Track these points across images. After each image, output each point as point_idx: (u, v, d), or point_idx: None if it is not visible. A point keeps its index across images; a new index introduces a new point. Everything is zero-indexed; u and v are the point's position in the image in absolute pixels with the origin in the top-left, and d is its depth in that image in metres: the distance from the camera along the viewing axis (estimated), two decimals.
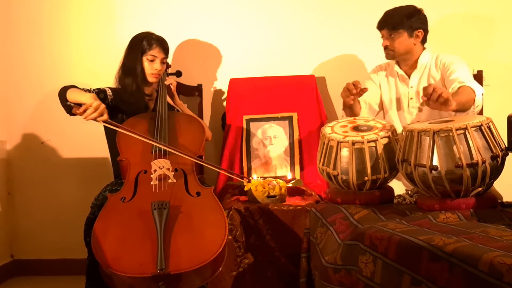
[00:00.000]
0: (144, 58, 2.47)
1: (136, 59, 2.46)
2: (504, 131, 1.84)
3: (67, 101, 2.28)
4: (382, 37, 2.51)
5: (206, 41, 3.06)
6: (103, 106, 2.18)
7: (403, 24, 2.42)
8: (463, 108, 2.13)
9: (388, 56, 2.51)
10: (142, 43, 2.46)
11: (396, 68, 2.57)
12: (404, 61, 2.54)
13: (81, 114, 2.16)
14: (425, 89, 1.91)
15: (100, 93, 2.42)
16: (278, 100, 2.89)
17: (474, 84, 2.25)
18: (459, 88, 2.20)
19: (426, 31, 2.49)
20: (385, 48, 2.49)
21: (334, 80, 3.02)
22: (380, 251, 1.57)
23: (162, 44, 2.49)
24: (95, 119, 2.17)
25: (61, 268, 3.08)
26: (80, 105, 2.24)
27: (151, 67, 2.47)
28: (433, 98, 1.88)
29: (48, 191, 3.12)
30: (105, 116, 2.19)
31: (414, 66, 2.52)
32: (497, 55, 2.92)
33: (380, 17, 2.50)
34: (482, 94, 2.28)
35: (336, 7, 3.00)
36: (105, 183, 2.47)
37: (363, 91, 2.25)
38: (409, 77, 2.54)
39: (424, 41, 2.51)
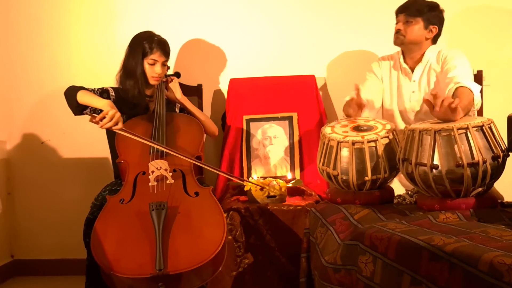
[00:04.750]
0: (145, 61, 2.46)
1: (137, 62, 2.45)
2: (504, 131, 1.83)
3: (78, 103, 2.28)
4: (397, 22, 2.50)
5: (206, 41, 3.06)
6: (118, 115, 2.17)
7: (423, 13, 2.44)
8: (467, 112, 2.09)
9: (397, 41, 2.50)
10: (144, 45, 2.45)
11: (401, 60, 2.56)
12: (410, 53, 2.53)
13: (96, 122, 2.16)
14: (434, 95, 1.85)
15: (103, 93, 2.42)
16: (278, 100, 2.89)
17: (470, 83, 2.22)
18: (456, 90, 2.16)
19: (439, 31, 2.51)
20: (397, 32, 2.49)
21: (334, 80, 3.02)
22: (380, 251, 1.57)
23: (164, 48, 2.48)
24: (110, 128, 2.17)
25: (61, 268, 3.08)
26: (92, 109, 2.25)
27: (152, 70, 2.46)
28: (444, 105, 1.82)
29: (48, 191, 3.12)
30: (120, 125, 2.18)
31: (418, 61, 2.52)
32: (497, 55, 2.91)
33: (401, 4, 2.51)
34: (480, 92, 2.26)
35: (336, 8, 3.00)
36: (105, 183, 2.47)
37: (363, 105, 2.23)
38: (412, 71, 2.54)
39: (435, 40, 2.52)
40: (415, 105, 2.52)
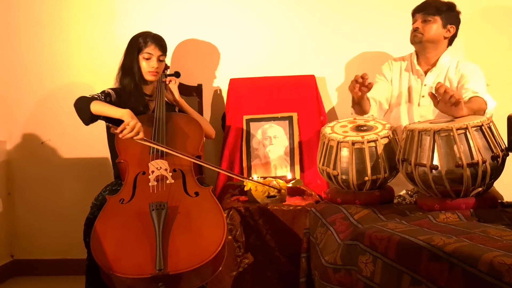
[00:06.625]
0: (141, 57, 2.47)
1: (133, 58, 2.47)
2: (504, 131, 1.83)
3: (92, 114, 2.29)
4: (414, 22, 2.47)
5: (206, 40, 3.06)
6: (139, 125, 2.20)
7: (441, 12, 2.42)
8: None
9: (415, 39, 2.45)
10: (138, 41, 2.47)
11: (415, 61, 2.52)
12: (425, 54, 2.49)
13: (117, 133, 2.19)
14: (437, 89, 1.87)
15: (106, 97, 2.42)
16: (278, 100, 2.88)
17: (487, 97, 2.23)
18: (471, 97, 2.17)
19: (456, 32, 2.49)
20: (415, 30, 2.45)
21: (334, 80, 3.02)
22: (380, 251, 1.57)
23: (158, 42, 2.49)
24: (131, 138, 2.19)
25: (61, 268, 3.08)
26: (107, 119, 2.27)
27: (147, 65, 2.47)
28: (444, 99, 1.85)
29: (48, 191, 3.12)
30: (141, 135, 2.21)
31: (432, 64, 2.49)
32: (497, 55, 2.91)
33: (418, 4, 2.49)
34: (494, 108, 2.27)
35: (336, 8, 3.00)
36: (105, 183, 2.47)
37: (370, 85, 2.17)
38: (425, 74, 2.51)
39: (451, 41, 2.51)
40: (424, 111, 2.47)
